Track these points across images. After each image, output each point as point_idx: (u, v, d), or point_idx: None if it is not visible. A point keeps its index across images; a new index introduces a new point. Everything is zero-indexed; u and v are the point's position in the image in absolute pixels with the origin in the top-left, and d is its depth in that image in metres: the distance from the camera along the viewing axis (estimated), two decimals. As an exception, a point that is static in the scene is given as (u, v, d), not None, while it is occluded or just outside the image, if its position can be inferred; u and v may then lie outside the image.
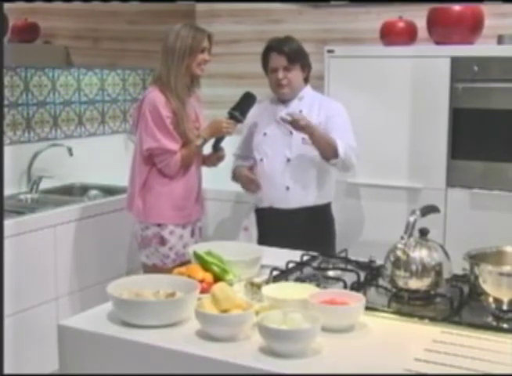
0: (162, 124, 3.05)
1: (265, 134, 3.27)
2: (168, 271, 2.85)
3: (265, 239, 3.20)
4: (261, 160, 3.26)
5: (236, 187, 3.99)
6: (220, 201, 4.03)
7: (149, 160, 3.12)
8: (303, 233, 3.15)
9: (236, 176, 3.37)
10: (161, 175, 3.12)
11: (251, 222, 3.38)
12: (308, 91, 3.29)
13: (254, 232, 3.41)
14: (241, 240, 3.23)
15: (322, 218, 3.28)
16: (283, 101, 3.27)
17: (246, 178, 3.26)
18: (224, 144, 3.28)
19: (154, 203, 3.12)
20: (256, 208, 3.35)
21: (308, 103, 3.24)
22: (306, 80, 3.30)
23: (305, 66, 3.24)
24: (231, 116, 3.18)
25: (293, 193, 3.19)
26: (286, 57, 3.16)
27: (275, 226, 3.23)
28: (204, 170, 3.35)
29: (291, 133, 3.17)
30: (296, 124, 3.03)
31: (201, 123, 3.25)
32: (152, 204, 3.12)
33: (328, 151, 3.09)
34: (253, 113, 3.33)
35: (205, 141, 3.20)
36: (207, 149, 3.30)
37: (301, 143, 3.16)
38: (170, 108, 3.06)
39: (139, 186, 3.13)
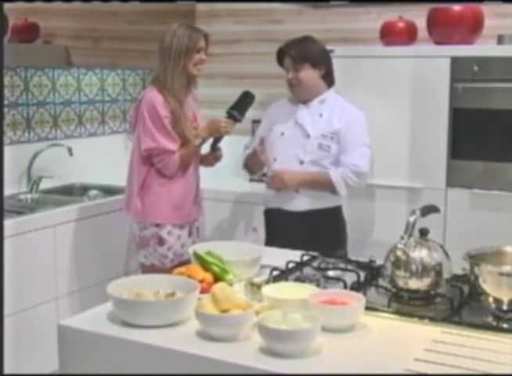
0: (160, 124, 3.05)
1: (282, 133, 3.22)
2: (167, 271, 2.85)
3: (272, 240, 3.16)
4: (275, 159, 3.22)
5: (234, 187, 3.99)
6: (218, 201, 4.03)
7: (148, 160, 3.12)
8: (311, 235, 3.10)
9: (250, 159, 3.32)
10: (160, 175, 3.12)
11: (260, 223, 3.34)
12: (330, 94, 3.24)
13: (262, 233, 3.39)
14: (249, 241, 3.20)
15: (332, 222, 3.24)
16: (304, 101, 3.22)
17: (255, 151, 3.21)
18: (222, 144, 3.28)
19: (153, 203, 3.12)
20: (265, 209, 3.32)
21: (330, 108, 3.19)
22: (330, 83, 3.24)
23: (318, 64, 3.17)
24: (229, 115, 3.18)
25: (302, 195, 3.16)
26: (291, 58, 3.14)
27: (284, 228, 3.19)
28: (203, 170, 3.35)
29: (309, 136, 3.15)
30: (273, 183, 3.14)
31: (199, 123, 3.25)
32: (150, 204, 3.12)
33: (326, 189, 3.14)
34: (271, 111, 3.33)
35: (203, 141, 3.19)
36: (205, 148, 3.30)
37: (317, 148, 3.14)
38: (168, 108, 3.06)
39: (138, 187, 3.13)
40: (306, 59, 3.15)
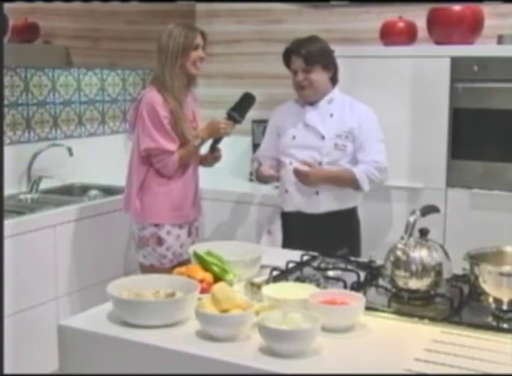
0: (160, 124, 3.05)
1: (293, 137, 3.17)
2: (166, 271, 2.86)
3: (289, 243, 3.11)
4: (291, 163, 3.15)
5: (234, 187, 3.99)
6: (218, 201, 4.03)
7: (147, 160, 3.12)
8: (330, 237, 3.06)
9: (261, 175, 3.28)
10: (159, 175, 3.12)
11: (275, 225, 3.31)
12: (336, 93, 3.20)
13: (277, 236, 3.36)
14: (264, 244, 3.17)
15: (350, 222, 3.21)
16: (311, 103, 3.17)
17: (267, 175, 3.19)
18: (221, 144, 3.28)
19: (152, 203, 3.12)
20: (282, 212, 3.27)
21: (339, 107, 3.15)
22: (334, 82, 3.20)
23: (328, 66, 3.13)
24: (229, 116, 3.18)
25: (322, 197, 3.12)
26: (304, 59, 3.07)
27: (302, 231, 3.16)
28: (202, 170, 3.35)
29: (323, 138, 3.11)
30: (301, 176, 3.06)
31: (198, 123, 3.25)
32: (149, 204, 3.12)
33: (350, 186, 3.11)
34: (278, 115, 3.28)
35: (203, 141, 3.19)
36: (204, 149, 3.30)
37: (334, 149, 3.10)
38: (167, 108, 3.06)
39: (137, 187, 3.13)
40: (318, 61, 3.09)
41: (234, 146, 3.61)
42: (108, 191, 3.84)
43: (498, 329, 1.89)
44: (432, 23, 3.76)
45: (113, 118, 4.32)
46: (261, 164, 3.29)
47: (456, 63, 3.56)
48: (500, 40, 3.64)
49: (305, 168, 3.04)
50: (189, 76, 3.16)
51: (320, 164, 3.11)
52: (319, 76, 3.12)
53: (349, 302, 1.91)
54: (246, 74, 4.50)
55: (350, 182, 3.09)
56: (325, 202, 3.13)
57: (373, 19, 4.06)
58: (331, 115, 3.15)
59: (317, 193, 3.12)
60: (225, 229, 4.04)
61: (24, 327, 3.12)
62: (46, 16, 3.78)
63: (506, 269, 1.97)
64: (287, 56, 3.17)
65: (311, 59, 3.08)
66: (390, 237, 2.28)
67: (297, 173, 3.06)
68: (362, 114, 3.15)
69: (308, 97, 3.16)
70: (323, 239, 3.01)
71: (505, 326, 1.91)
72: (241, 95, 3.23)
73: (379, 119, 3.23)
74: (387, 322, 1.95)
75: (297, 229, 3.19)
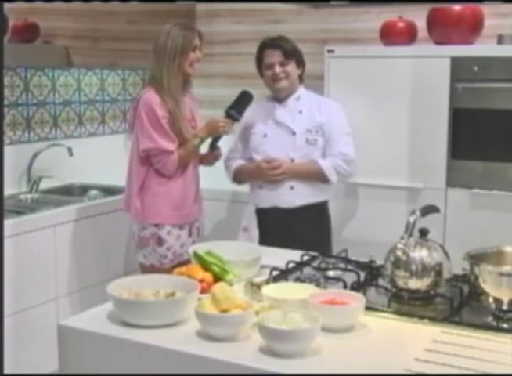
0: (158, 124, 3.05)
1: (265, 135, 3.24)
2: (166, 271, 2.86)
3: (265, 239, 3.18)
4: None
5: (233, 186, 3.97)
6: (218, 201, 4.03)
7: (147, 160, 3.12)
8: (303, 231, 3.15)
9: (242, 175, 3.33)
10: (159, 175, 3.12)
11: (251, 222, 3.35)
12: (303, 91, 3.30)
13: (254, 232, 3.39)
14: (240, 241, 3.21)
15: (322, 216, 3.28)
16: (280, 100, 3.25)
17: (261, 168, 3.19)
18: (221, 143, 3.28)
19: (152, 203, 3.12)
20: (257, 208, 3.32)
21: (307, 103, 3.24)
22: (301, 80, 3.31)
23: (300, 63, 3.26)
24: (228, 115, 3.19)
25: (297, 192, 3.18)
26: (282, 51, 3.18)
27: (278, 226, 3.21)
28: (202, 169, 3.35)
29: (294, 133, 3.18)
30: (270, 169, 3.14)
31: (197, 122, 3.25)
32: (150, 204, 3.12)
33: (318, 179, 3.17)
34: (248, 114, 3.30)
35: (202, 140, 3.20)
36: (204, 148, 3.30)
37: (305, 144, 3.17)
38: (165, 108, 3.06)
39: (137, 187, 3.13)
40: (294, 55, 3.21)
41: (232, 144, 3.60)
42: (108, 191, 3.84)
43: (498, 329, 1.89)
44: (432, 23, 3.76)
45: (113, 118, 4.32)
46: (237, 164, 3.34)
47: (456, 63, 3.57)
48: (500, 40, 3.64)
49: (277, 162, 3.14)
50: (186, 76, 3.16)
51: (293, 160, 3.18)
52: (294, 70, 3.22)
53: (349, 302, 1.91)
54: (246, 74, 4.48)
55: (317, 175, 3.17)
56: (300, 196, 3.19)
57: (373, 19, 4.06)
58: (300, 112, 3.22)
59: (292, 187, 3.18)
60: (225, 229, 4.04)
61: (24, 327, 3.12)
62: (46, 16, 3.78)
63: (506, 269, 1.97)
64: (263, 51, 3.25)
65: (289, 52, 3.19)
66: (390, 237, 2.27)
67: (272, 169, 3.14)
68: (330, 109, 3.24)
69: (282, 90, 3.23)
70: (297, 233, 3.11)
71: (505, 326, 1.91)
72: (239, 93, 3.24)
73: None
74: (387, 322, 1.95)
75: (274, 224, 3.24)
